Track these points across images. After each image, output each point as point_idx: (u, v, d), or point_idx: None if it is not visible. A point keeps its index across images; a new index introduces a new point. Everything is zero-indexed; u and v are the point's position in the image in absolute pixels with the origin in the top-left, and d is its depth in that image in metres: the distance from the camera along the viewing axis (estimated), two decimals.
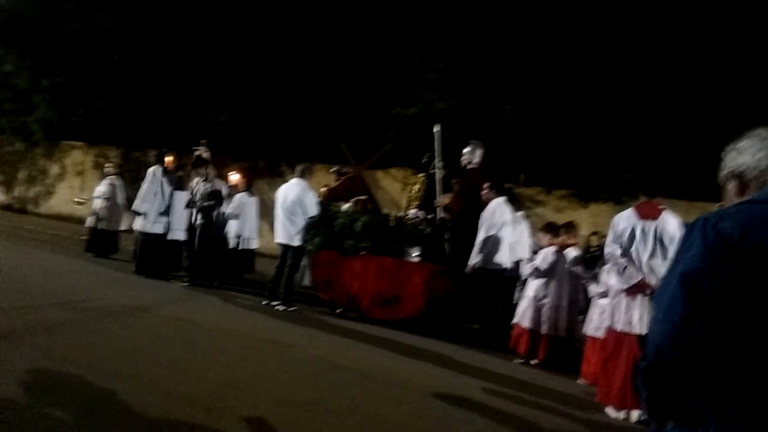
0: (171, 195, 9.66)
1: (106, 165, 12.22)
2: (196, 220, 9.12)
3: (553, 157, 12.54)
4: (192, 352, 5.27)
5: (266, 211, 13.72)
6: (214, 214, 9.34)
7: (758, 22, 10.87)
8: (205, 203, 9.07)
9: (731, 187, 1.80)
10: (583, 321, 6.34)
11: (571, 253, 6.57)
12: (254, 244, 10.50)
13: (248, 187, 10.72)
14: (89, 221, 11.03)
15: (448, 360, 6.21)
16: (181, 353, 5.20)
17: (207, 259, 9.32)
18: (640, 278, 4.95)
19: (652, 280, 4.90)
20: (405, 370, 5.60)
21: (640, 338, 4.77)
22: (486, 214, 7.11)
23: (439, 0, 13.70)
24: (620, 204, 12.38)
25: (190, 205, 9.22)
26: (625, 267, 5.01)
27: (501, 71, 13.28)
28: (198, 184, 9.27)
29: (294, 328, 6.88)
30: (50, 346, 4.81)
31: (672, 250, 4.99)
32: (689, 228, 1.68)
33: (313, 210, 8.02)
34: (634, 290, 4.98)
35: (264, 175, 15.94)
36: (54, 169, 18.91)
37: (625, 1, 12.08)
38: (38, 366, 4.29)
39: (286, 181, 8.55)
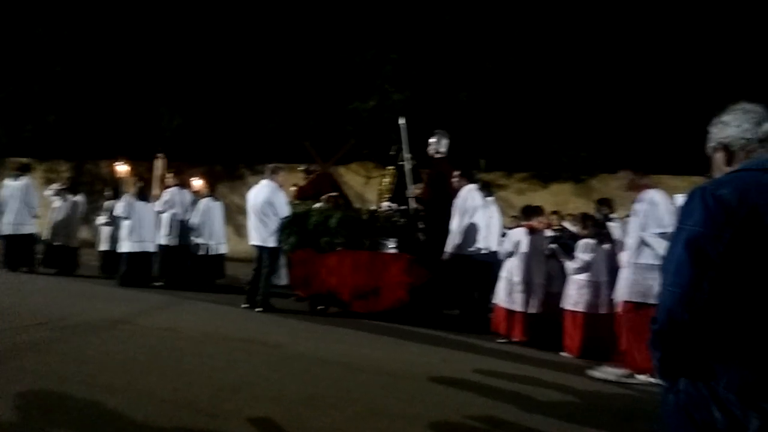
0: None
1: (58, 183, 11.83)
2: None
3: (512, 141, 12.86)
4: (180, 360, 5.24)
5: (229, 215, 13.60)
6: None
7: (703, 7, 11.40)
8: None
9: (719, 157, 1.94)
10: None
11: (545, 233, 6.83)
12: (222, 249, 10.42)
13: (211, 192, 10.63)
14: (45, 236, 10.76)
15: (434, 346, 6.35)
16: (169, 362, 5.17)
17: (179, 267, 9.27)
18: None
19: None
20: (394, 359, 5.71)
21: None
22: (458, 202, 7.28)
23: None
24: (579, 182, 12.83)
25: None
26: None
27: (454, 59, 13.50)
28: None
29: (277, 328, 6.90)
30: (39, 366, 4.71)
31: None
32: (689, 197, 1.82)
33: (284, 210, 8.01)
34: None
35: (223, 179, 15.75)
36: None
37: None
38: (31, 387, 4.20)
39: (246, 184, 8.56)
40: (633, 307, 5.22)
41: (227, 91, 15.43)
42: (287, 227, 7.94)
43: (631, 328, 5.23)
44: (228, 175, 15.97)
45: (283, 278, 8.74)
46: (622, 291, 5.37)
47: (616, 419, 4.37)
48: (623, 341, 5.34)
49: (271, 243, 7.94)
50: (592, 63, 12.42)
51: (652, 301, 5.08)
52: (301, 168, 10.40)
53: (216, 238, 10.15)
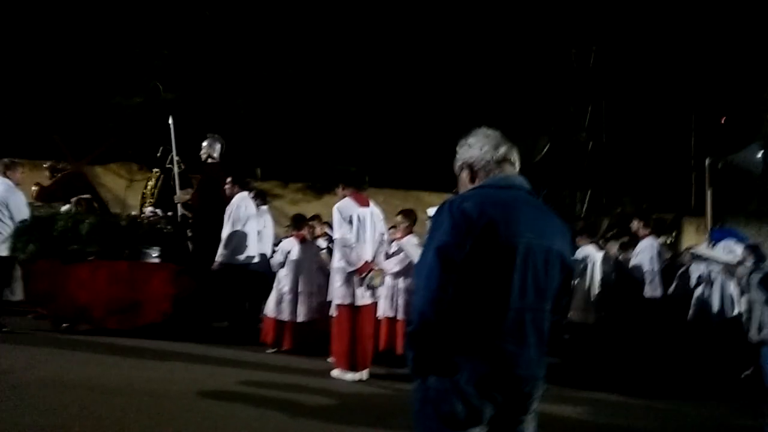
0: None
1: None
2: None
3: (289, 151, 13.01)
4: None
5: None
6: None
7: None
8: None
9: (464, 175, 2.18)
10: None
11: (320, 243, 7.00)
12: None
13: None
14: None
15: (200, 360, 6.05)
16: None
17: None
18: (367, 259, 5.64)
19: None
20: (155, 378, 5.29)
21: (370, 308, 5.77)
22: (230, 209, 7.08)
23: None
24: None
25: None
26: (355, 250, 5.60)
27: (232, 63, 13.21)
28: None
29: (8, 352, 5.85)
30: None
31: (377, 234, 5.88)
32: (439, 210, 2.01)
33: (22, 213, 6.96)
34: (362, 269, 5.60)
35: None
36: None
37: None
38: None
39: None
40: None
41: None
42: (25, 233, 6.87)
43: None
44: None
45: (17, 293, 7.56)
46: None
47: (375, 417, 4.64)
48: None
49: (2, 251, 6.79)
50: (368, 81, 13.21)
51: (339, 302, 5.68)
52: (47, 165, 9.16)
53: None
